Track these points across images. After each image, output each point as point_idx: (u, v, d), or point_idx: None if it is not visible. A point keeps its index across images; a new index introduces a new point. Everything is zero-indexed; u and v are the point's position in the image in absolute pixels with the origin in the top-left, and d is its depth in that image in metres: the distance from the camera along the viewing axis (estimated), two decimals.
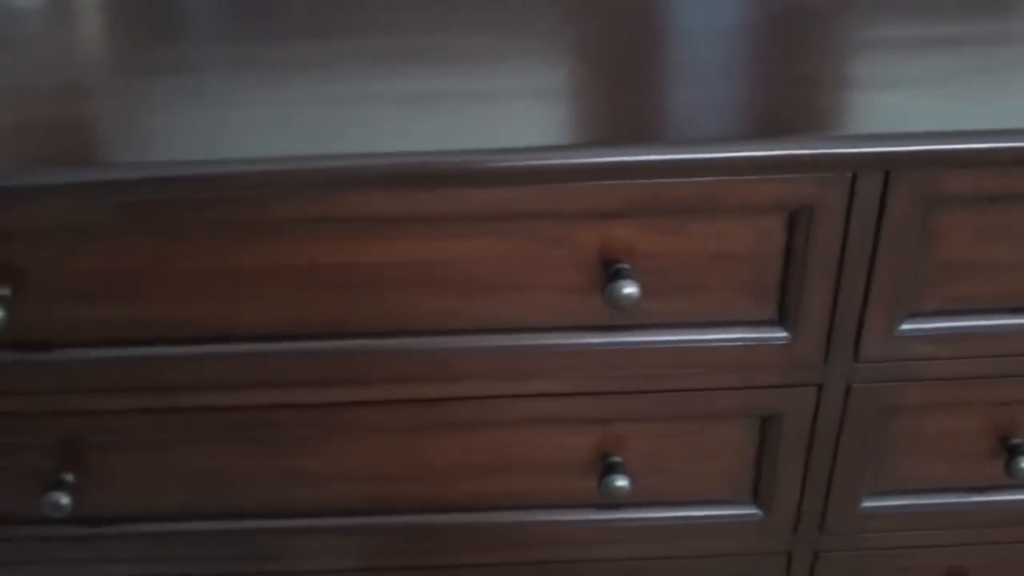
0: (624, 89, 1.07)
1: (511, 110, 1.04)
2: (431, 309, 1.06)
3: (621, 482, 1.15)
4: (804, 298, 1.05)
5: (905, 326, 1.08)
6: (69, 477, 1.17)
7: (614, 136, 1.00)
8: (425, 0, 1.24)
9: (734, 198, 1.00)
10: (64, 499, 1.15)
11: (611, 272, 1.03)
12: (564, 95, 1.09)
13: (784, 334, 1.08)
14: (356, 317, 1.06)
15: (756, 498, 1.20)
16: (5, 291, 1.03)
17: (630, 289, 1.02)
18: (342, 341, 1.07)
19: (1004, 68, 1.10)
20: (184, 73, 1.12)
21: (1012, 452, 1.18)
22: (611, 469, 1.16)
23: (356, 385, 1.10)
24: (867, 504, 1.22)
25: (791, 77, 1.08)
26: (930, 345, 1.09)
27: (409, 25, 1.19)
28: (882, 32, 1.17)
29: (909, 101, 1.03)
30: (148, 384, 1.09)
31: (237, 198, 0.98)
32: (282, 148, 0.97)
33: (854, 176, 0.99)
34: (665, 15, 1.25)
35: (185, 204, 0.98)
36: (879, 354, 1.09)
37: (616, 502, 1.20)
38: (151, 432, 1.14)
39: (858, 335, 1.08)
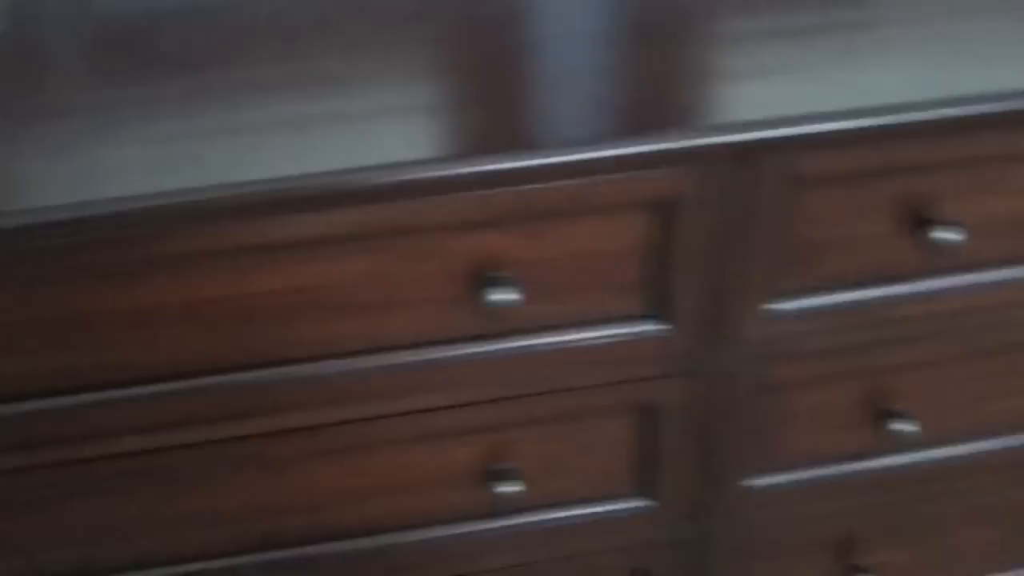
0: (492, 100, 1.08)
1: (383, 128, 1.03)
2: (311, 335, 1.04)
3: (514, 487, 1.15)
4: (677, 290, 1.07)
5: (776, 307, 1.11)
6: None
7: (482, 146, 1.00)
8: (298, 27, 1.22)
9: (601, 198, 1.01)
10: None
11: (486, 281, 1.03)
12: (437, 110, 1.09)
13: (661, 326, 1.09)
14: (238, 350, 1.04)
15: (647, 489, 1.22)
16: None
17: (506, 296, 1.02)
18: (227, 376, 1.05)
19: (857, 53, 1.13)
20: (51, 118, 1.08)
21: (887, 417, 1.21)
22: (502, 476, 1.16)
23: (244, 419, 1.08)
24: (752, 483, 1.24)
25: (651, 75, 1.10)
26: (799, 323, 1.12)
27: (280, 52, 1.17)
28: (740, 25, 1.19)
29: (766, 89, 1.05)
30: (30, 440, 1.05)
31: (103, 240, 0.95)
32: (150, 185, 0.94)
33: (714, 166, 1.01)
34: (532, 25, 1.24)
35: (54, 250, 0.95)
36: (751, 336, 1.12)
37: (510, 508, 1.20)
38: (40, 489, 1.10)
39: (731, 321, 1.10)
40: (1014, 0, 1.23)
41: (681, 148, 0.99)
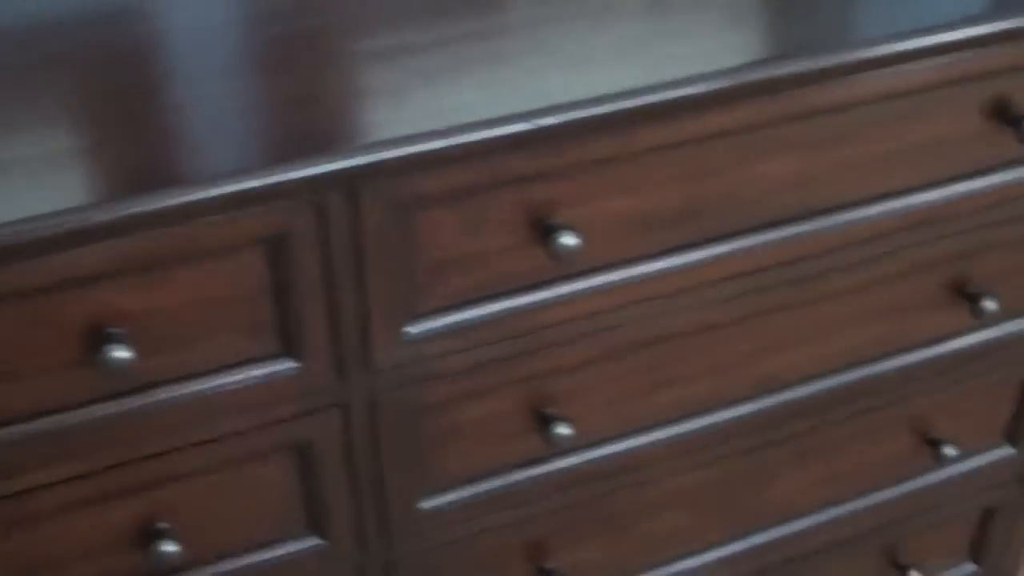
0: (108, 144, 1.03)
1: None
2: None
3: (169, 547, 1.11)
4: (303, 324, 1.05)
5: (411, 329, 1.10)
6: None
7: (91, 196, 0.95)
8: None
9: (210, 240, 0.98)
10: None
11: (100, 339, 0.98)
12: (61, 158, 1.02)
13: (294, 364, 1.07)
14: None
15: (313, 527, 1.19)
16: None
17: (120, 353, 0.97)
18: None
19: (460, 66, 1.13)
20: None
21: (547, 422, 1.22)
22: (158, 536, 1.11)
23: None
24: (425, 505, 1.23)
25: (255, 107, 1.07)
26: (440, 342, 1.12)
27: None
28: (350, 47, 1.18)
29: (369, 113, 1.04)
30: None
31: None
32: None
33: (319, 197, 0.99)
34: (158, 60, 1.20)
35: None
36: (393, 361, 1.10)
37: (172, 568, 1.15)
38: None
39: (367, 349, 1.09)
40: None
41: (282, 182, 0.97)
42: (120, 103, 1.09)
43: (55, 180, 0.98)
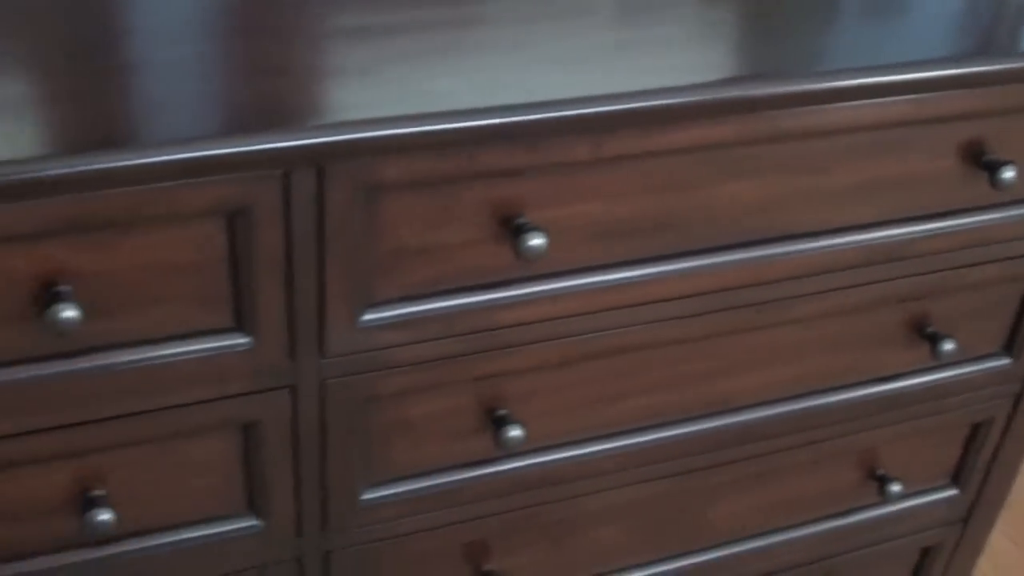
0: (58, 97, 1.01)
1: None
2: None
3: (104, 516, 1.09)
4: (258, 301, 1.03)
5: (367, 316, 1.09)
6: None
7: (40, 148, 0.93)
8: None
9: (166, 206, 0.96)
10: None
11: (48, 296, 0.97)
12: (16, 107, 1.01)
13: (245, 339, 1.05)
14: None
15: (252, 508, 1.18)
16: None
17: (67, 313, 0.96)
18: None
19: (436, 52, 1.12)
20: None
21: (498, 424, 1.21)
22: (92, 503, 1.09)
23: None
24: (367, 496, 1.22)
25: (222, 73, 1.06)
26: (395, 332, 1.10)
27: None
28: (325, 23, 1.17)
29: (340, 91, 1.03)
30: None
31: None
32: None
33: (286, 172, 0.98)
34: (117, 18, 1.19)
35: None
36: (346, 348, 1.09)
37: (107, 537, 1.13)
38: None
39: (321, 332, 1.07)
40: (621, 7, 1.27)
41: (249, 153, 0.95)
42: (82, 57, 1.07)
43: (8, 128, 0.96)
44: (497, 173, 1.06)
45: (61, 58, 1.07)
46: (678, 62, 1.14)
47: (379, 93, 1.04)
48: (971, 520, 1.66)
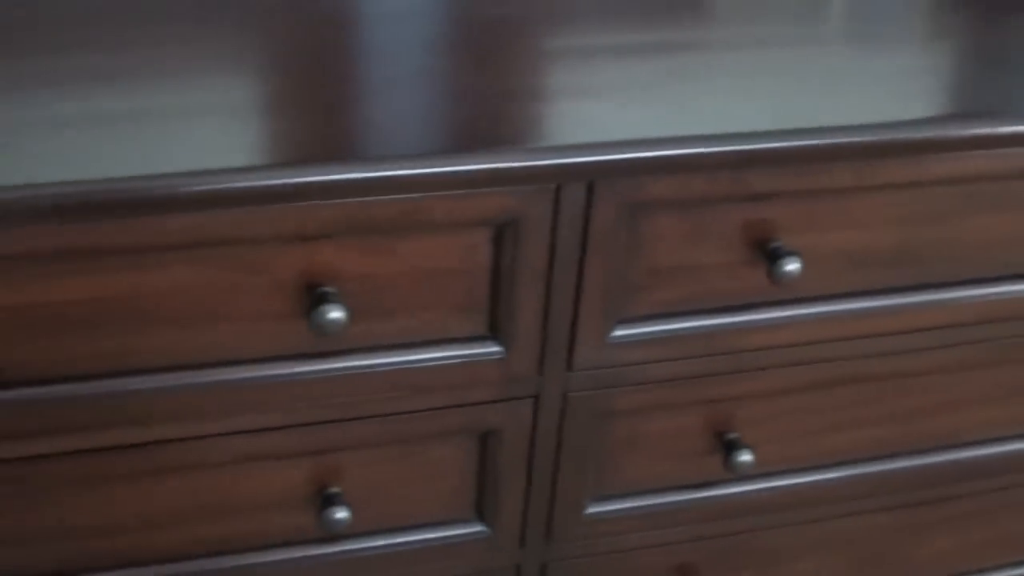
0: (323, 106, 1.03)
1: (206, 128, 0.97)
2: (124, 347, 0.97)
3: (341, 514, 1.10)
4: (515, 312, 1.04)
5: (617, 332, 1.08)
6: None
7: (313, 154, 0.95)
8: (130, 17, 1.16)
9: (439, 214, 0.97)
10: None
11: (315, 297, 0.98)
12: (263, 112, 1.03)
13: (497, 349, 1.06)
14: (55, 362, 0.96)
15: (481, 515, 1.18)
16: None
17: (335, 314, 0.97)
18: (46, 388, 0.97)
19: (695, 74, 1.11)
20: None
21: (728, 447, 1.20)
22: (330, 501, 1.11)
23: (65, 434, 1.00)
24: (592, 510, 1.21)
25: (491, 89, 1.06)
26: (642, 349, 1.10)
27: (107, 42, 1.10)
28: (576, 41, 1.17)
29: (608, 110, 1.03)
30: None
31: None
32: None
33: (557, 187, 0.98)
34: (362, 31, 1.21)
35: None
36: (593, 362, 1.09)
37: (338, 534, 1.15)
38: None
39: (571, 345, 1.07)
40: (847, 33, 1.24)
41: (526, 167, 0.96)
42: (324, 70, 1.10)
43: (284, 133, 0.98)
44: (759, 196, 1.04)
45: (319, 72, 1.09)
46: (927, 86, 1.12)
47: (646, 113, 1.03)
48: None
